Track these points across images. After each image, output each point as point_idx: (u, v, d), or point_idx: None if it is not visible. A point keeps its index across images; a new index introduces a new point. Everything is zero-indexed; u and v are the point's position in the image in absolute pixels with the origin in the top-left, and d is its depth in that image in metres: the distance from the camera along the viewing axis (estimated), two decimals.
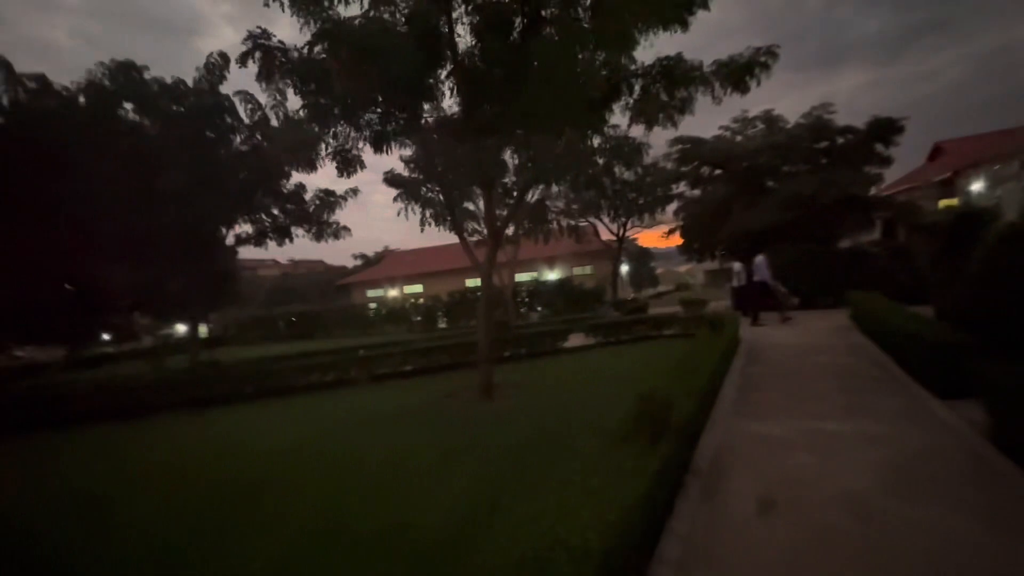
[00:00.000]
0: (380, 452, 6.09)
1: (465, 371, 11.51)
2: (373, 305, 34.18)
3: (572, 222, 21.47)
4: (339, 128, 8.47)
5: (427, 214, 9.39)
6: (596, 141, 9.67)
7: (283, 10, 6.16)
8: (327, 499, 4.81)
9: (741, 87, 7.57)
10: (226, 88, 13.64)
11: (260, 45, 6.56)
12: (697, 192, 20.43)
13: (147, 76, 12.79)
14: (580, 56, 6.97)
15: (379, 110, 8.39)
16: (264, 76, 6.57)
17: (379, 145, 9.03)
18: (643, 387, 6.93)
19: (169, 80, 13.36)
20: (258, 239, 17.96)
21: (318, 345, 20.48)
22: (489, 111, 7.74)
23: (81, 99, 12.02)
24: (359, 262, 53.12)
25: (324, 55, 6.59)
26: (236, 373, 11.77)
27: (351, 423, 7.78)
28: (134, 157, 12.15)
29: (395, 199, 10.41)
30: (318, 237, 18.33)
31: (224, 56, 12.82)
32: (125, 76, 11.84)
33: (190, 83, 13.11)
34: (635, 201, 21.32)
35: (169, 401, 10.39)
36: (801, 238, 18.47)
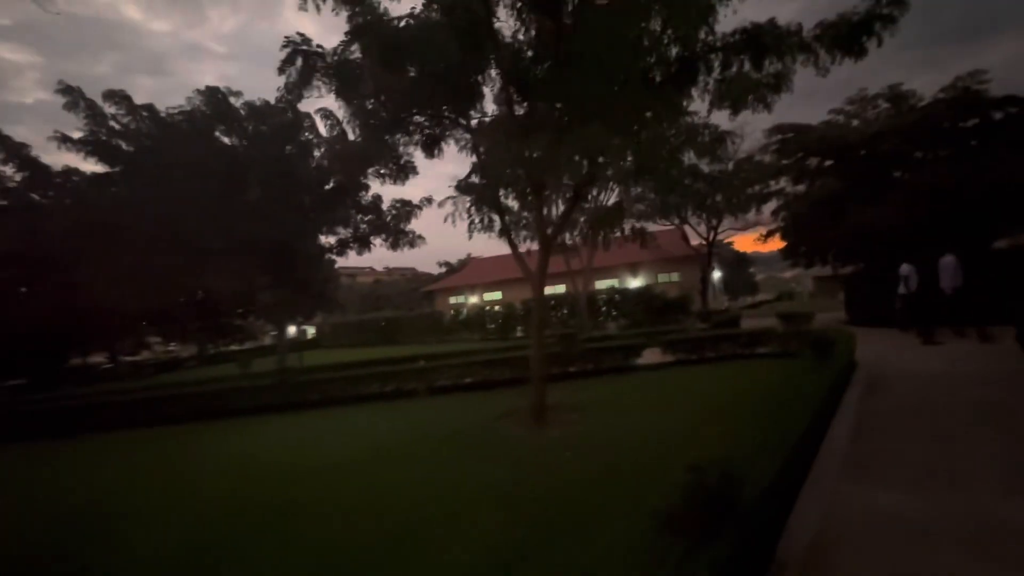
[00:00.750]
0: (405, 488, 5.51)
1: (527, 387, 10.73)
2: (452, 312, 34.80)
3: (639, 224, 19.80)
4: (388, 135, 8.20)
5: (476, 220, 8.80)
6: (670, 131, 8.43)
7: (318, 10, 5.90)
8: (313, 548, 4.28)
9: (855, 50, 6.00)
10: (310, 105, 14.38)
11: (300, 51, 6.39)
12: (801, 188, 17.74)
13: (238, 101, 13.84)
14: (644, 26, 5.92)
15: (428, 111, 7.99)
16: (302, 82, 6.39)
17: (430, 149, 8.66)
18: (721, 427, 5.62)
19: (257, 102, 14.36)
20: (340, 249, 18.85)
21: (397, 351, 21.01)
22: (537, 105, 6.95)
23: (183, 124, 13.26)
24: (443, 269, 54.81)
25: (362, 54, 6.25)
26: (301, 381, 12.10)
27: (389, 445, 7.35)
28: (226, 175, 13.16)
29: (440, 204, 10.00)
30: (394, 246, 18.79)
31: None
32: (215, 100, 12.83)
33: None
34: (726, 200, 19.10)
35: (235, 407, 10.96)
36: (941, 239, 15.21)
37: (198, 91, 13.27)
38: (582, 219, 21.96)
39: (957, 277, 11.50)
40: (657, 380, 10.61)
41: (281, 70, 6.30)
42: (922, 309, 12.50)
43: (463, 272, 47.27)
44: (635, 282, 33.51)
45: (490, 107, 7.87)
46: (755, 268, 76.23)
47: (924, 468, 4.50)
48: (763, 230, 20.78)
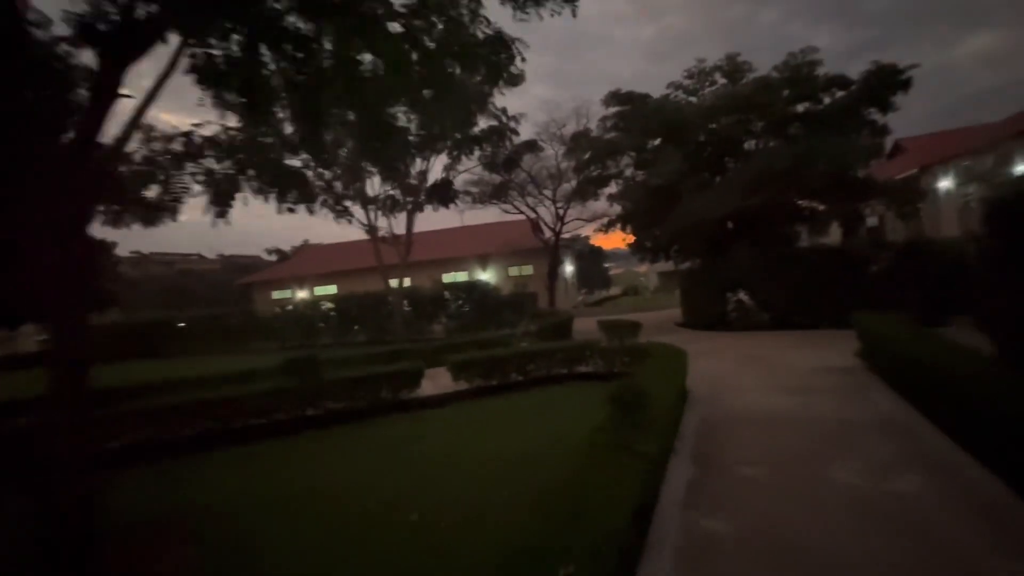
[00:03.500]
0: None
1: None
2: (278, 309, 27.95)
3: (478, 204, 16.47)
4: None
5: None
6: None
7: None
8: None
9: None
10: None
11: None
12: (643, 175, 15.76)
13: None
14: None
15: None
16: None
17: None
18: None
19: None
20: None
21: (148, 370, 14.59)
22: None
23: None
24: (274, 258, 46.41)
25: None
26: None
27: None
28: None
29: None
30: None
31: None
32: None
33: None
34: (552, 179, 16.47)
35: None
36: (761, 238, 14.19)
37: None
38: (406, 198, 17.85)
39: None
40: (418, 432, 6.89)
41: None
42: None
43: (293, 261, 39.93)
44: (484, 275, 30.45)
45: None
46: (614, 263, 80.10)
47: None
48: (605, 219, 18.76)
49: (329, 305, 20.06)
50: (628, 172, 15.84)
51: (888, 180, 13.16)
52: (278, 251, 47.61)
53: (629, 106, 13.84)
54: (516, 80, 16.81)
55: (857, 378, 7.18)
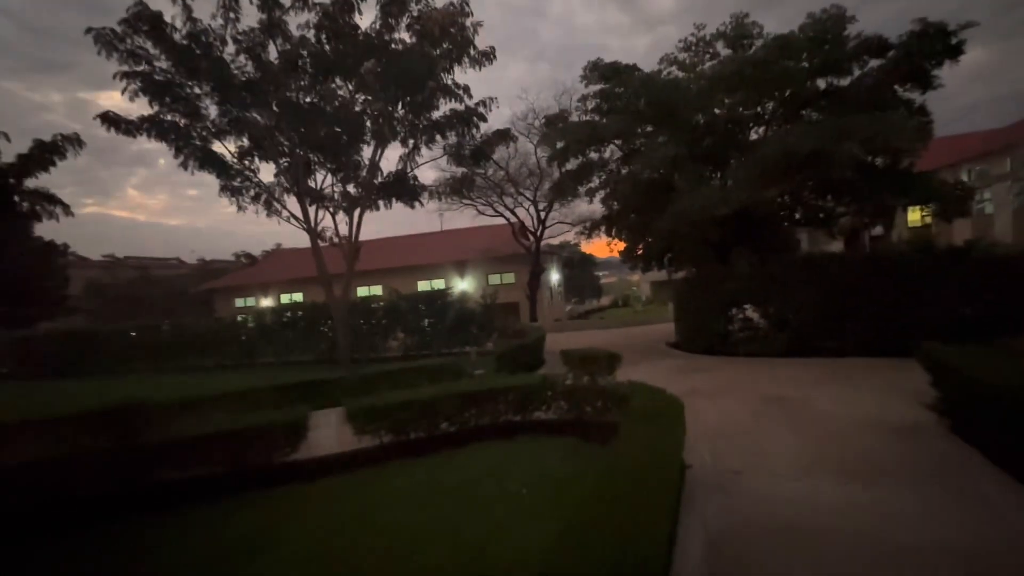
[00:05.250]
0: None
1: None
2: (241, 318, 25.15)
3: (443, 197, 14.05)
4: None
5: None
6: None
7: None
8: None
9: None
10: None
11: None
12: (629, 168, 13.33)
13: None
14: None
15: None
16: None
17: None
18: None
19: None
20: None
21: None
22: None
23: None
24: (245, 261, 43.63)
25: None
26: None
27: None
28: None
29: None
30: None
31: None
32: None
33: None
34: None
35: None
36: (765, 243, 11.89)
37: None
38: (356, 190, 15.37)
39: None
40: (274, 530, 4.32)
41: None
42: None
43: (259, 266, 37.24)
44: (463, 284, 27.93)
45: None
46: (607, 271, 77.52)
47: None
48: (588, 223, 16.33)
49: (269, 318, 17.39)
50: (613, 165, 13.41)
51: (928, 173, 10.81)
52: (247, 255, 44.79)
53: (614, 82, 11.43)
54: (484, 58, 14.66)
55: (940, 447, 4.74)
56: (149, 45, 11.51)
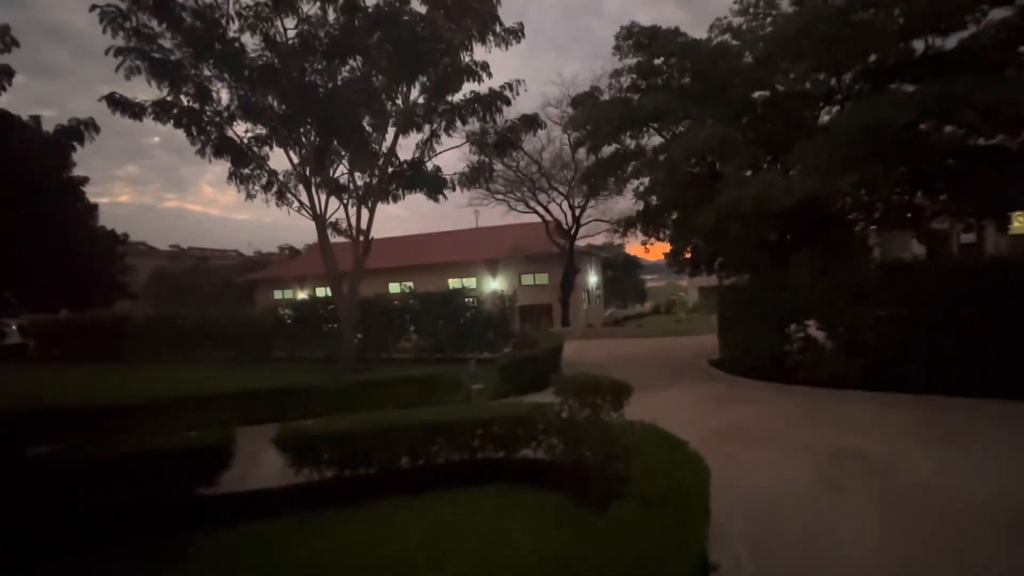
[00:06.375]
0: None
1: None
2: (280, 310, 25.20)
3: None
4: None
5: None
6: None
7: None
8: None
9: None
10: None
11: None
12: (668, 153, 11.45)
13: None
14: None
15: None
16: None
17: None
18: None
19: None
20: None
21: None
22: None
23: None
24: (288, 254, 44.65)
25: None
26: None
27: None
28: None
29: None
30: None
31: None
32: None
33: None
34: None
35: None
36: (832, 245, 9.80)
37: None
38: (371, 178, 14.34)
39: None
40: None
41: None
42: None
43: (300, 259, 37.70)
44: (494, 283, 26.69)
45: None
46: (655, 275, 73.85)
47: None
48: (622, 220, 14.55)
49: (286, 312, 16.84)
50: (651, 153, 11.60)
51: None
52: (291, 248, 45.83)
53: (652, 50, 9.67)
54: (511, 36, 13.23)
55: None
56: (155, 23, 11.03)
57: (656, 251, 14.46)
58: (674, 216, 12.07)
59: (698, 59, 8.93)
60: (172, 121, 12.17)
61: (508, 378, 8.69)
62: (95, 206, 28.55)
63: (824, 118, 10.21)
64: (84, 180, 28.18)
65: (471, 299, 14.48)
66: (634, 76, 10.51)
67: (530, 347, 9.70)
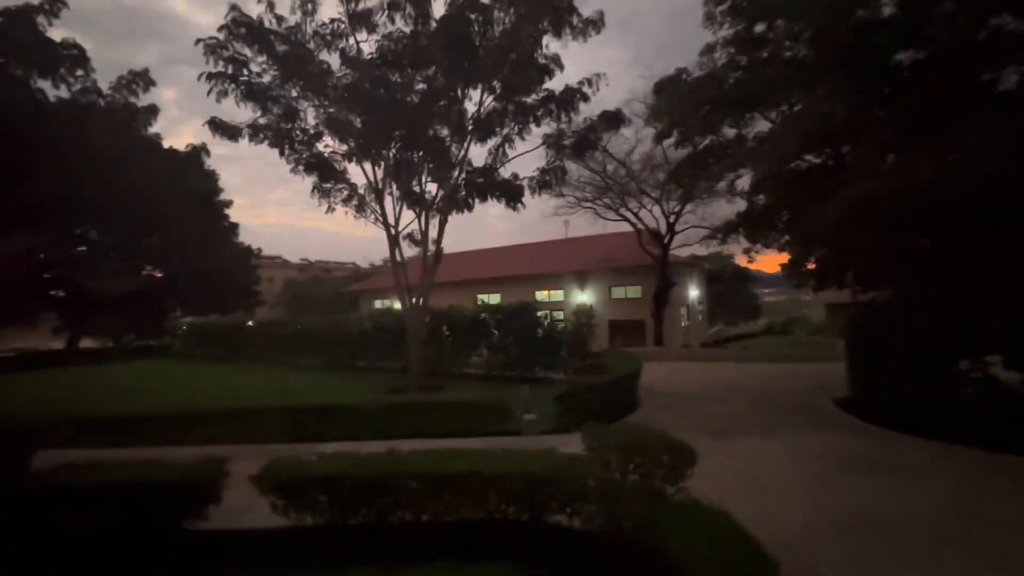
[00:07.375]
0: None
1: None
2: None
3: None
4: None
5: None
6: None
7: None
8: None
9: None
10: None
11: None
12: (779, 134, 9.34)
13: None
14: None
15: None
16: None
17: None
18: None
19: None
20: None
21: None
22: None
23: None
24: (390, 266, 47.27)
25: None
26: None
27: None
28: None
29: None
30: None
31: None
32: None
33: None
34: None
35: None
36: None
37: None
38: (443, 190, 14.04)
39: None
40: None
41: None
42: None
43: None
44: (582, 296, 25.29)
45: None
46: (773, 289, 65.94)
47: None
48: (723, 225, 12.43)
49: (367, 323, 17.23)
50: (753, 143, 9.60)
51: None
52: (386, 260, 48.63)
53: (754, 14, 7.86)
54: (591, 27, 12.04)
55: None
56: (247, 51, 11.83)
57: (770, 262, 12.12)
58: (785, 218, 9.88)
59: (819, 11, 6.98)
60: (267, 141, 12.96)
61: (568, 408, 7.45)
62: (236, 225, 32.91)
63: (1011, 79, 7.50)
64: (229, 203, 32.85)
65: (543, 312, 13.37)
66: (731, 50, 8.72)
67: (597, 372, 8.32)
